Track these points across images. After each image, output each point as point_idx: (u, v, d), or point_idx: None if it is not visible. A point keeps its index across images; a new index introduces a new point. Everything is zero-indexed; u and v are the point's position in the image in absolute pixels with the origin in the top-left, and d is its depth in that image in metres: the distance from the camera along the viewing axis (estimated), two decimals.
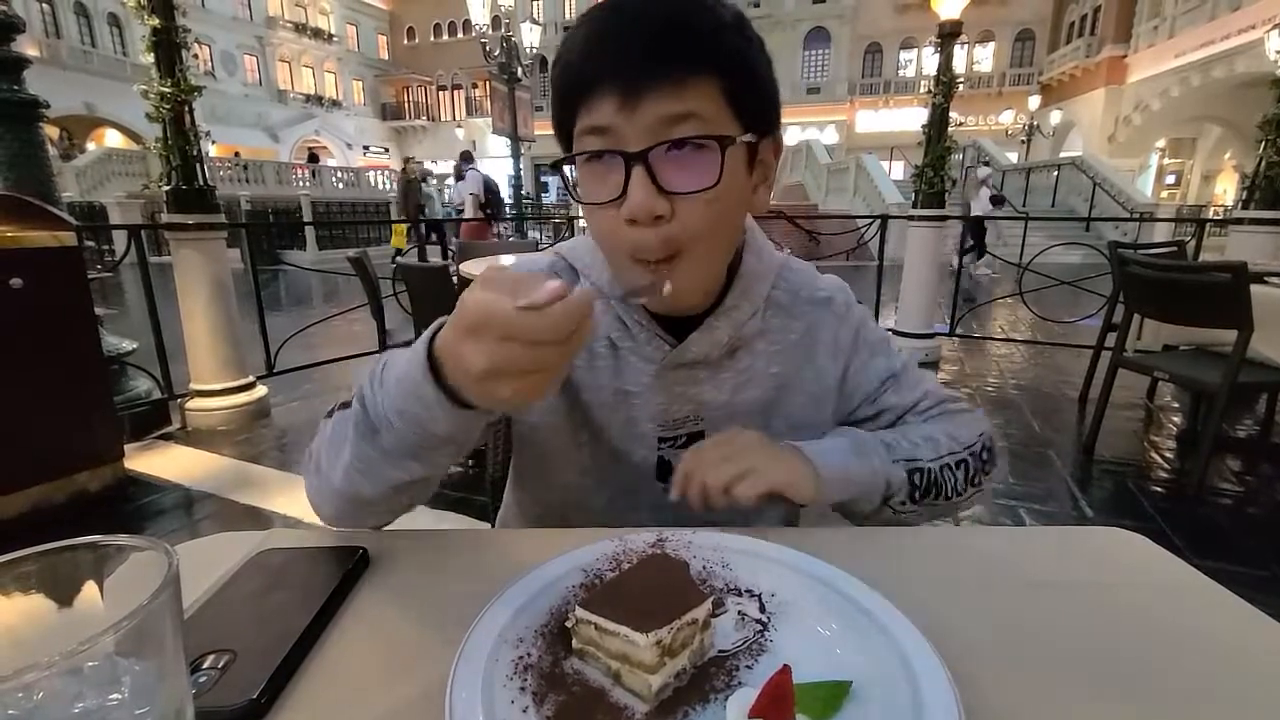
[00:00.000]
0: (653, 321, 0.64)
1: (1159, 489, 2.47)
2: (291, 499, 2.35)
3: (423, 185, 9.92)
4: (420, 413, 0.44)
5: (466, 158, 8.70)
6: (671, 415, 0.67)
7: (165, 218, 2.91)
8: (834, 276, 0.74)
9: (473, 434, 0.48)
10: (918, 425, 0.68)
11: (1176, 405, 3.46)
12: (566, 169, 0.57)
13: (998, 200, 10.45)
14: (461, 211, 8.07)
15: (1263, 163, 4.01)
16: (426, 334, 0.44)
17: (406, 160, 9.80)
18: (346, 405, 0.51)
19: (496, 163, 26.71)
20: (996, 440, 0.68)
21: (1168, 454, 2.82)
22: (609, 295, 0.64)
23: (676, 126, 0.50)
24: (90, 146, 17.31)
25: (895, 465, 0.60)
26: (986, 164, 11.66)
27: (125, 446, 2.45)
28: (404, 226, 9.09)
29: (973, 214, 8.19)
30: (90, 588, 0.27)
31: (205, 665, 0.39)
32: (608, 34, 0.52)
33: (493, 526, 0.84)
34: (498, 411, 0.43)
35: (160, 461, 2.66)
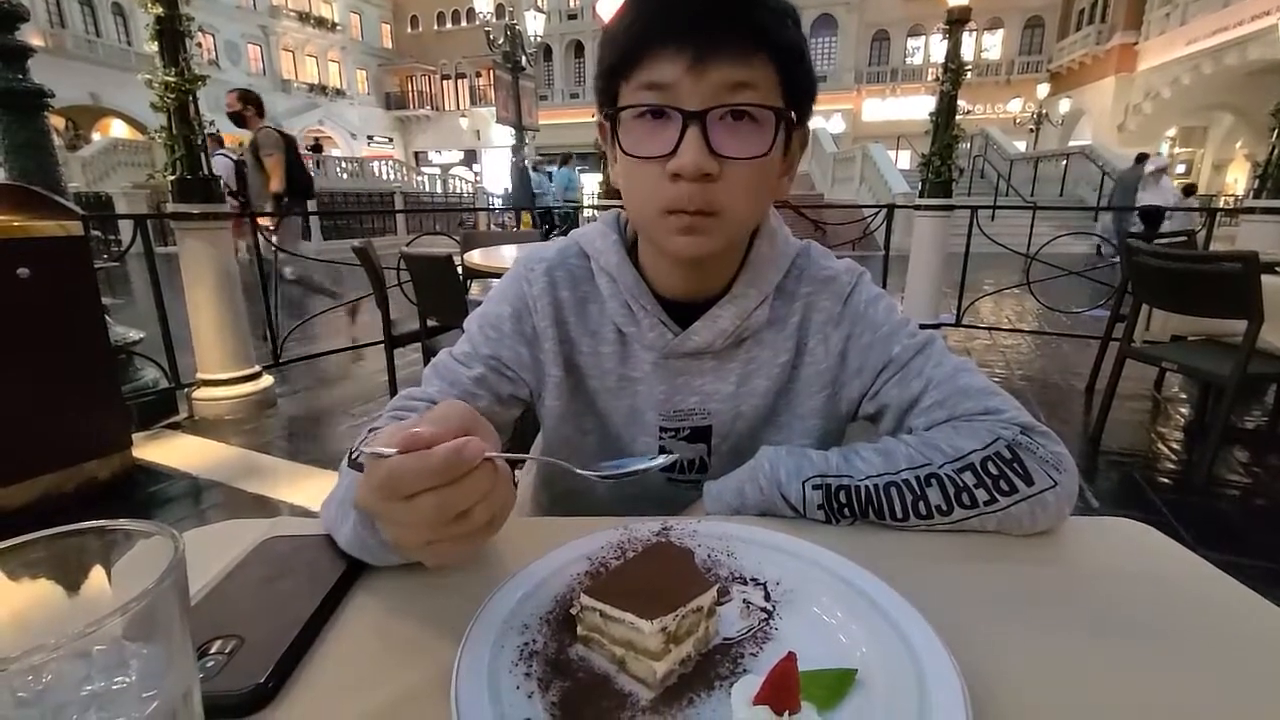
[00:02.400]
0: (658, 308, 0.64)
1: (1165, 480, 2.45)
2: (298, 488, 2.36)
3: (535, 173, 9.78)
4: None
5: (218, 141, 8.44)
6: (674, 405, 0.67)
7: (171, 207, 2.92)
8: (849, 260, 0.71)
9: None
10: (917, 435, 0.60)
11: (1184, 396, 3.44)
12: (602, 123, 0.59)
13: (1189, 189, 10.09)
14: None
15: (1275, 151, 3.96)
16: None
17: (521, 146, 9.65)
18: (358, 461, 0.50)
19: (502, 152, 26.60)
20: (1042, 440, 0.57)
21: (1174, 445, 2.80)
22: (617, 279, 0.64)
23: (738, 94, 0.52)
24: (96, 137, 17.33)
25: (800, 485, 0.56)
26: (1149, 154, 10.93)
27: (133, 435, 2.47)
28: (529, 215, 9.08)
29: (1150, 204, 7.92)
30: (98, 573, 0.27)
31: (213, 650, 0.39)
32: None
33: None
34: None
35: (168, 450, 2.68)
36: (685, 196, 0.54)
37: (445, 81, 30.14)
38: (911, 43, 24.98)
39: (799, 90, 0.56)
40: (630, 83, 0.55)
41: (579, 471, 0.42)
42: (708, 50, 0.51)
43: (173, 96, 2.75)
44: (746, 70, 0.52)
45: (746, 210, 0.58)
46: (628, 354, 0.67)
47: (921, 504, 0.54)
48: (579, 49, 26.38)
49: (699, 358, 0.65)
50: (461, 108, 29.46)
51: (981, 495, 0.54)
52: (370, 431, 0.54)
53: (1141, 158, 9.92)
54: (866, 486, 0.55)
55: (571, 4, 26.42)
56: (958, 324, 4.64)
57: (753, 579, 0.47)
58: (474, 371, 0.64)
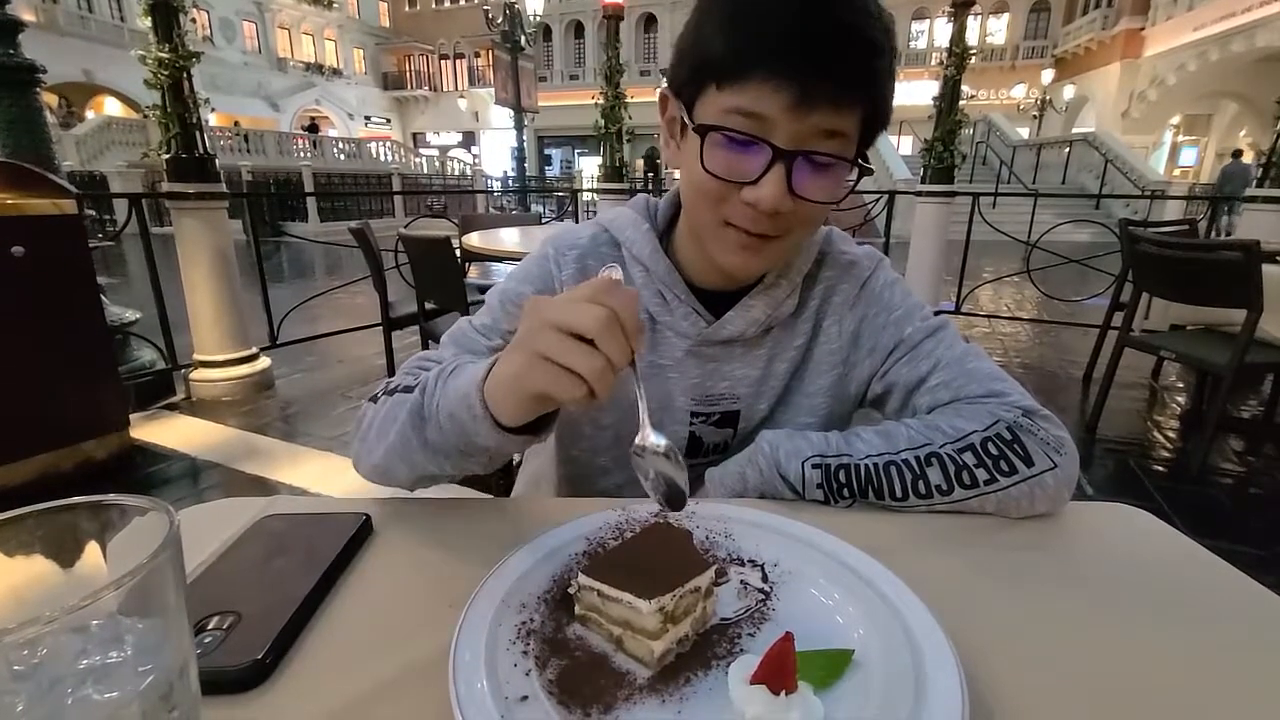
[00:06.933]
0: (691, 296, 0.65)
1: (1161, 468, 2.47)
2: (296, 469, 2.37)
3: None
4: (468, 423, 0.47)
5: None
6: (706, 391, 0.68)
7: (166, 187, 2.89)
8: (869, 246, 0.72)
9: (507, 451, 0.51)
10: (919, 418, 0.62)
11: (1181, 385, 3.45)
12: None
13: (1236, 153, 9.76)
14: None
15: (1279, 140, 3.94)
16: (491, 359, 0.48)
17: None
18: (399, 391, 0.54)
19: (500, 134, 26.32)
20: (1043, 423, 0.57)
21: (1170, 434, 2.82)
22: (650, 269, 0.65)
23: (827, 140, 0.53)
24: (90, 115, 17.12)
25: (799, 465, 0.57)
26: (1241, 150, 10.50)
27: (131, 416, 2.46)
28: None
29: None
30: (93, 548, 0.27)
31: (210, 626, 0.39)
32: (801, 27, 0.50)
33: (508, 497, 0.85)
34: (528, 419, 0.46)
35: (166, 431, 2.68)
36: (751, 220, 0.55)
37: (443, 61, 29.71)
38: (915, 26, 24.62)
39: (871, 136, 0.56)
40: (724, 93, 0.52)
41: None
42: (812, 91, 0.50)
43: (167, 74, 2.72)
44: (839, 118, 0.52)
45: (802, 236, 0.60)
46: (658, 340, 0.67)
47: (921, 483, 0.55)
48: (579, 29, 25.99)
49: (728, 345, 0.66)
50: (460, 88, 29.07)
51: (981, 475, 0.54)
52: (388, 391, 0.56)
53: (1237, 154, 9.66)
54: (866, 465, 0.56)
55: None
56: (957, 311, 4.63)
57: (750, 560, 0.47)
58: (493, 343, 0.64)
